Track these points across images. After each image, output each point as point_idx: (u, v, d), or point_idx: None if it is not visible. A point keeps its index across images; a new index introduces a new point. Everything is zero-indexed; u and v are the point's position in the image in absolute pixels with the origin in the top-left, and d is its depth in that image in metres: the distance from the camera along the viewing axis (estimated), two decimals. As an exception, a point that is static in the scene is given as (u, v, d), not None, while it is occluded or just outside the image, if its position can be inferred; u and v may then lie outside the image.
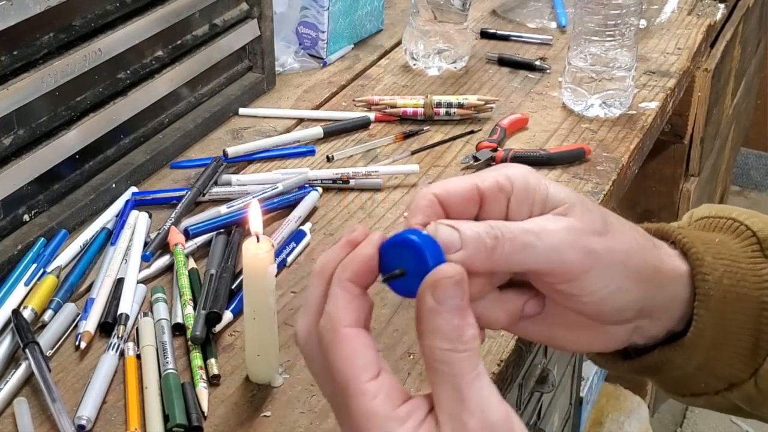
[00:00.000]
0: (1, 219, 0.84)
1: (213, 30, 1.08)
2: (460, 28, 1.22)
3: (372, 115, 1.11)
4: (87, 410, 0.68)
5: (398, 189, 0.99)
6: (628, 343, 0.56)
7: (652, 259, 0.53)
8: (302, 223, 0.92)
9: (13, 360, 0.74)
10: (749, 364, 0.56)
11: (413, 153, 1.05)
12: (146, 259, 0.84)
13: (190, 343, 0.75)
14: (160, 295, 0.80)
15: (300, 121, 1.12)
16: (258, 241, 0.67)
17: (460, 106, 1.11)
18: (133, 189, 0.96)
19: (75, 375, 0.73)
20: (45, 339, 0.75)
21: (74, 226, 0.90)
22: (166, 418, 0.68)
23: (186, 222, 0.89)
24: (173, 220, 0.89)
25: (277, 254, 0.86)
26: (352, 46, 1.30)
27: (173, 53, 1.02)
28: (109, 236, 0.89)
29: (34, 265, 0.83)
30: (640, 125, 1.12)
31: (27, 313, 0.77)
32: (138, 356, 0.74)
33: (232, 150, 1.01)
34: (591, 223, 0.50)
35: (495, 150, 1.03)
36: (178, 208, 0.91)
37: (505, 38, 1.34)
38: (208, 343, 0.75)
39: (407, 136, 1.08)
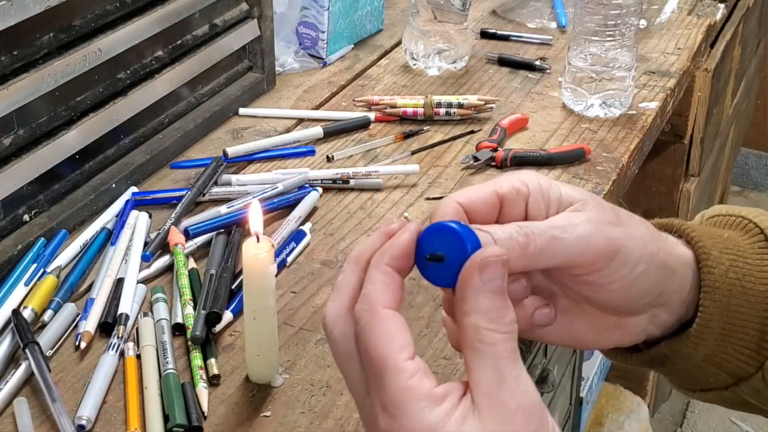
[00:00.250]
0: (1, 219, 0.84)
1: (213, 30, 1.08)
2: (460, 28, 1.22)
3: (372, 115, 1.11)
4: (87, 410, 0.68)
5: (398, 189, 0.99)
6: (645, 335, 0.58)
7: (664, 246, 0.55)
8: (302, 223, 0.92)
9: (13, 360, 0.74)
10: (756, 358, 0.57)
11: (413, 153, 1.05)
12: (146, 259, 0.84)
13: (190, 343, 0.75)
14: (160, 295, 0.80)
15: (300, 121, 1.12)
16: (258, 241, 0.67)
17: (460, 106, 1.11)
18: (133, 189, 0.96)
19: (75, 375, 0.73)
20: (45, 339, 0.75)
21: (74, 226, 0.90)
22: (166, 418, 0.68)
23: (186, 222, 0.89)
24: (173, 220, 0.89)
25: (277, 254, 0.86)
26: (352, 46, 1.30)
27: (173, 53, 1.02)
28: (109, 236, 0.89)
29: (34, 265, 0.83)
30: (640, 125, 1.12)
31: (27, 313, 0.77)
32: (138, 356, 0.74)
33: (232, 150, 1.01)
34: (607, 215, 0.53)
35: (495, 150, 1.03)
36: (178, 208, 0.91)
37: (505, 38, 1.34)
38: (208, 343, 0.75)
39: (407, 136, 1.08)
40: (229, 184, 0.96)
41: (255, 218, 0.68)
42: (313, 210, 0.95)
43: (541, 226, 0.51)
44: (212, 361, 0.74)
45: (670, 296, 0.56)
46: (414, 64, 1.24)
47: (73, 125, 0.90)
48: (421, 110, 1.11)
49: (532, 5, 1.44)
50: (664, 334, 0.58)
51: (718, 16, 1.44)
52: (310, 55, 1.26)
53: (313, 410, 0.70)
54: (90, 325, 0.77)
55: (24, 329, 0.74)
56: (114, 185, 0.94)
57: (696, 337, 0.56)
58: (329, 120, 1.11)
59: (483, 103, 1.12)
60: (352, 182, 0.98)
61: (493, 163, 1.03)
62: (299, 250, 0.88)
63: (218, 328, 0.77)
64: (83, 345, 0.75)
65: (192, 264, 0.85)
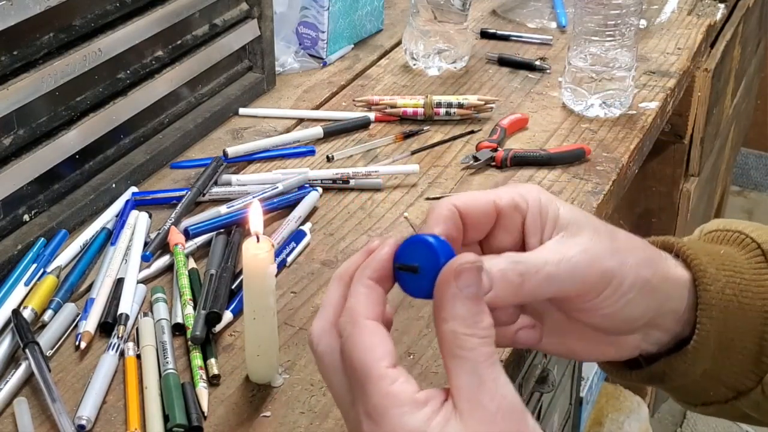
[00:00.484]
0: (1, 219, 0.84)
1: (213, 30, 1.08)
2: (460, 28, 1.22)
3: (372, 115, 1.11)
4: (87, 410, 0.68)
5: (398, 189, 0.99)
6: (639, 351, 0.58)
7: (660, 269, 0.56)
8: (302, 223, 0.92)
9: (13, 360, 0.74)
10: (755, 372, 0.58)
11: (413, 153, 1.05)
12: (146, 259, 0.84)
13: (190, 343, 0.75)
14: (160, 295, 0.80)
15: (300, 121, 1.12)
16: (258, 241, 0.67)
17: (460, 106, 1.11)
18: (133, 189, 0.96)
19: (75, 375, 0.73)
20: (45, 339, 0.75)
21: (74, 226, 0.90)
22: (166, 418, 0.68)
23: (186, 222, 0.89)
24: (173, 220, 0.89)
25: (277, 254, 0.86)
26: (352, 46, 1.30)
27: (173, 53, 1.02)
28: (109, 236, 0.89)
29: (34, 265, 0.83)
30: (640, 125, 1.12)
31: (27, 313, 0.77)
32: (138, 356, 0.74)
33: (232, 150, 1.01)
34: (602, 242, 0.54)
35: (495, 150, 1.03)
36: (178, 208, 0.91)
37: (505, 38, 1.34)
38: (208, 343, 0.75)
39: (407, 136, 1.08)
40: (229, 184, 0.96)
41: (255, 218, 0.68)
42: (313, 210, 0.95)
43: (536, 263, 0.52)
44: (212, 361, 0.74)
45: (664, 317, 0.57)
46: (414, 64, 1.24)
47: (73, 125, 0.90)
48: (421, 110, 1.11)
49: (532, 5, 1.44)
50: (660, 351, 0.59)
51: (718, 16, 1.44)
52: (310, 55, 1.26)
53: (313, 410, 0.70)
54: (90, 325, 0.77)
55: (24, 329, 0.74)
56: (114, 185, 0.94)
57: (693, 354, 0.57)
58: (329, 120, 1.11)
59: (483, 103, 1.12)
60: (352, 182, 0.98)
61: (493, 163, 1.03)
62: (299, 250, 0.88)
63: (218, 328, 0.77)
64: (83, 345, 0.75)
65: (192, 264, 0.85)
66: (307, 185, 0.96)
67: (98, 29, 0.91)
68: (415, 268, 0.50)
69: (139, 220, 0.89)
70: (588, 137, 1.09)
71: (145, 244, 0.87)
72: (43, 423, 0.69)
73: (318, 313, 0.52)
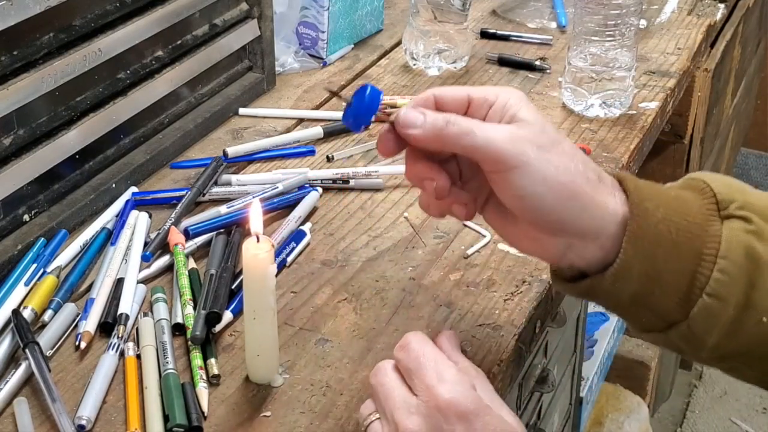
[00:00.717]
0: (1, 219, 0.84)
1: (213, 30, 1.08)
2: (460, 28, 1.22)
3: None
4: (87, 410, 0.68)
5: (398, 189, 0.99)
6: (568, 261, 0.64)
7: (584, 184, 0.62)
8: (302, 223, 0.92)
9: (13, 360, 0.74)
10: (683, 306, 0.62)
11: (413, 153, 1.05)
12: (146, 259, 0.84)
13: (190, 343, 0.75)
14: (160, 295, 0.80)
15: (300, 121, 1.12)
16: (258, 241, 0.67)
17: (460, 106, 1.11)
18: (133, 189, 0.96)
19: (75, 375, 0.73)
20: (45, 339, 0.75)
21: (74, 226, 0.90)
22: (166, 418, 0.68)
23: (186, 222, 0.89)
24: (173, 220, 0.89)
25: (277, 254, 0.86)
26: (352, 46, 1.30)
27: (173, 53, 1.02)
28: (109, 236, 0.89)
29: (34, 265, 0.83)
30: (640, 125, 1.12)
31: (27, 313, 0.77)
32: (138, 356, 0.74)
33: (232, 150, 1.01)
34: (536, 137, 0.62)
35: (495, 150, 1.03)
36: (178, 208, 0.91)
37: (505, 38, 1.34)
38: (208, 343, 0.75)
39: (407, 136, 1.08)
40: (229, 184, 0.96)
41: (255, 218, 0.68)
42: (313, 210, 0.95)
43: (466, 121, 0.62)
44: (212, 361, 0.74)
45: (584, 233, 0.62)
46: (414, 64, 1.24)
47: (73, 125, 0.90)
48: (421, 110, 1.11)
49: (532, 5, 1.44)
50: (588, 267, 0.64)
51: (718, 16, 1.44)
52: (310, 55, 1.26)
53: (313, 410, 0.70)
54: (90, 325, 0.77)
55: (24, 329, 0.74)
56: (114, 185, 0.94)
57: (614, 276, 0.62)
58: (329, 120, 1.11)
59: (483, 103, 1.12)
60: (352, 182, 0.98)
61: (493, 163, 1.03)
62: (299, 250, 0.88)
63: (218, 328, 0.77)
64: (83, 345, 0.75)
65: (192, 264, 0.85)
66: (307, 185, 0.96)
67: (98, 29, 0.91)
68: (349, 101, 0.65)
69: (139, 220, 0.89)
70: (588, 137, 1.09)
71: (145, 244, 0.87)
72: (43, 423, 0.69)
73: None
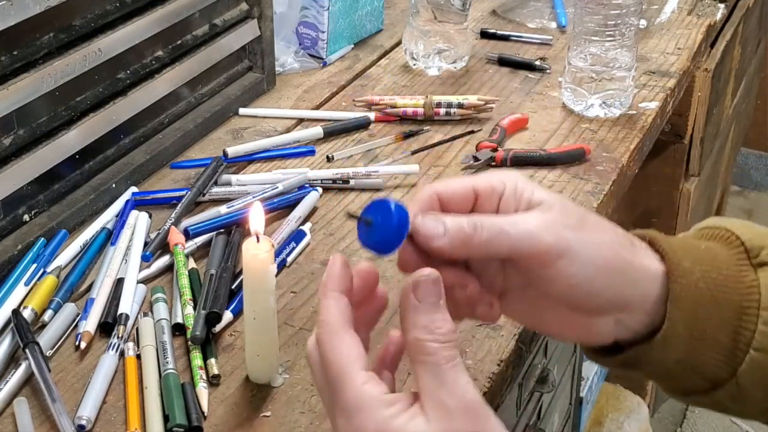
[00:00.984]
0: (1, 219, 0.84)
1: (213, 30, 1.08)
2: (460, 28, 1.22)
3: (372, 115, 1.11)
4: (87, 410, 0.68)
5: (398, 189, 0.99)
6: (614, 337, 0.60)
7: (625, 254, 0.58)
8: (302, 223, 0.92)
9: (13, 360, 0.74)
10: (730, 365, 0.59)
11: (413, 153, 1.05)
12: (146, 259, 0.84)
13: (190, 343, 0.75)
14: (160, 295, 0.80)
15: (300, 121, 1.12)
16: (258, 241, 0.67)
17: (460, 106, 1.11)
18: (133, 189, 0.96)
19: (75, 375, 0.73)
20: (45, 339, 0.75)
21: (74, 226, 0.90)
22: (166, 418, 0.68)
23: (186, 222, 0.89)
24: (173, 220, 0.89)
25: (277, 254, 0.86)
26: (352, 46, 1.30)
27: (173, 53, 1.02)
28: (109, 236, 0.89)
29: (34, 265, 0.83)
30: (640, 125, 1.12)
31: (27, 313, 0.77)
32: (138, 356, 0.74)
33: (232, 150, 1.01)
34: (565, 218, 0.56)
35: (495, 150, 1.03)
36: (178, 208, 0.91)
37: (505, 38, 1.34)
38: (208, 343, 0.75)
39: (407, 136, 1.08)
40: (229, 184, 0.96)
41: (256, 219, 0.68)
42: (313, 210, 0.95)
43: (492, 219, 0.55)
44: (212, 361, 0.74)
45: (631, 303, 0.58)
46: (414, 64, 1.24)
47: (73, 125, 0.90)
48: (421, 110, 1.11)
49: (532, 5, 1.44)
50: (634, 338, 0.60)
51: (718, 16, 1.44)
52: (310, 55, 1.26)
53: (313, 410, 0.70)
54: (90, 325, 0.77)
55: (24, 329, 0.74)
56: (114, 185, 0.94)
57: (663, 343, 0.58)
58: (329, 120, 1.11)
59: (483, 103, 1.12)
60: (352, 182, 0.98)
61: (493, 163, 1.03)
62: (299, 250, 0.88)
63: (218, 328, 0.77)
64: (83, 345, 0.75)
65: (192, 264, 0.85)
66: (307, 185, 0.96)
67: (98, 29, 0.91)
68: (369, 221, 0.55)
69: (139, 220, 0.89)
70: (588, 137, 1.09)
71: (145, 244, 0.87)
72: (43, 423, 0.69)
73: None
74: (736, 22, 1.62)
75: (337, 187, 0.98)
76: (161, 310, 0.78)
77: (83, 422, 0.67)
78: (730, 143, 2.02)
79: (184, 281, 0.81)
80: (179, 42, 1.03)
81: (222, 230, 0.88)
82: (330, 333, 0.53)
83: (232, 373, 0.74)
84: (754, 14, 1.81)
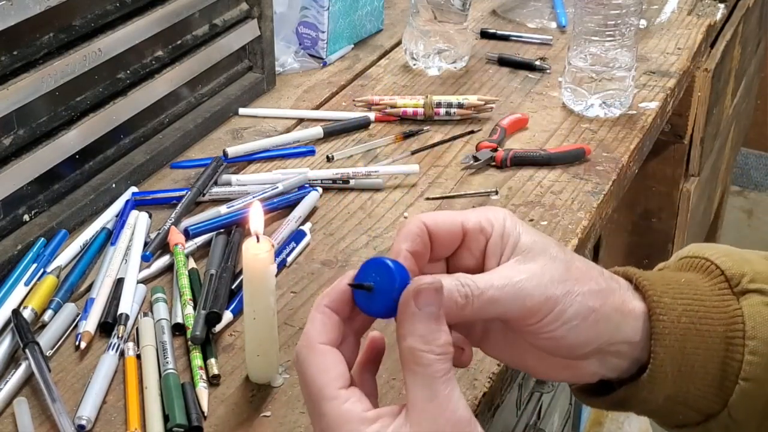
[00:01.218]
0: (1, 219, 0.84)
1: (213, 30, 1.08)
2: (460, 28, 1.22)
3: (372, 115, 1.11)
4: (87, 410, 0.68)
5: (398, 189, 0.99)
6: (599, 377, 0.60)
7: (612, 301, 0.58)
8: (302, 223, 0.92)
9: (13, 360, 0.74)
10: (720, 396, 0.59)
11: (413, 153, 1.05)
12: (146, 259, 0.84)
13: (190, 343, 0.75)
14: (160, 295, 0.80)
15: (300, 121, 1.12)
16: (258, 241, 0.67)
17: (460, 106, 1.11)
18: (133, 189, 0.96)
19: (75, 375, 0.73)
20: (45, 339, 0.75)
21: (74, 226, 0.90)
22: (166, 418, 0.68)
23: (186, 222, 0.89)
24: (173, 220, 0.89)
25: (277, 254, 0.86)
26: (352, 46, 1.30)
27: (173, 53, 1.02)
28: (109, 236, 0.89)
29: (34, 265, 0.83)
30: (640, 125, 1.12)
31: (27, 313, 0.77)
32: (138, 356, 0.74)
33: (232, 150, 1.01)
34: (552, 270, 0.56)
35: (495, 150, 1.03)
36: (178, 208, 0.91)
37: (505, 38, 1.34)
38: (208, 343, 0.75)
39: (407, 136, 1.08)
40: (229, 184, 0.96)
41: (256, 219, 0.68)
42: (313, 210, 0.95)
43: (481, 286, 0.54)
44: (212, 361, 0.74)
45: (617, 345, 0.58)
46: (414, 64, 1.24)
47: (73, 125, 0.90)
48: (421, 110, 1.11)
49: (532, 5, 1.44)
50: (621, 377, 0.60)
51: (718, 16, 1.44)
52: (310, 55, 1.26)
53: (313, 410, 0.70)
54: (90, 325, 0.77)
55: (24, 329, 0.74)
56: (114, 185, 0.94)
57: (650, 383, 0.58)
58: (329, 120, 1.11)
59: (483, 103, 1.12)
60: (352, 182, 0.98)
61: (493, 163, 1.03)
62: (299, 250, 0.88)
63: (218, 328, 0.77)
64: (83, 345, 0.75)
65: (192, 264, 0.85)
66: (307, 185, 0.96)
67: (98, 29, 0.91)
68: (369, 287, 0.53)
69: (139, 220, 0.89)
70: (588, 137, 1.09)
71: (145, 244, 0.87)
72: (43, 423, 0.69)
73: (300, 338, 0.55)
74: (736, 22, 1.62)
75: (337, 187, 0.98)
76: (161, 310, 0.78)
77: (83, 422, 0.67)
78: (730, 143, 2.02)
79: (184, 281, 0.81)
80: (179, 42, 1.03)
81: (222, 230, 0.88)
82: (309, 348, 0.53)
83: (232, 373, 0.74)
84: (754, 14, 1.81)
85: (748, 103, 2.17)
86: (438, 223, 0.57)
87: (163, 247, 0.87)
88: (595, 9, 1.09)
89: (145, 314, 0.78)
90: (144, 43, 0.97)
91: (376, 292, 0.53)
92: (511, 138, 1.09)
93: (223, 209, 0.91)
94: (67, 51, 0.87)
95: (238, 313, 0.79)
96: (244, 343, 0.73)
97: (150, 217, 0.90)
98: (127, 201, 0.93)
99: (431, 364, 0.51)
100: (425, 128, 1.10)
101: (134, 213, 0.91)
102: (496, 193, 0.98)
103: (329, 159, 1.03)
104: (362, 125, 1.10)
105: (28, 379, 0.72)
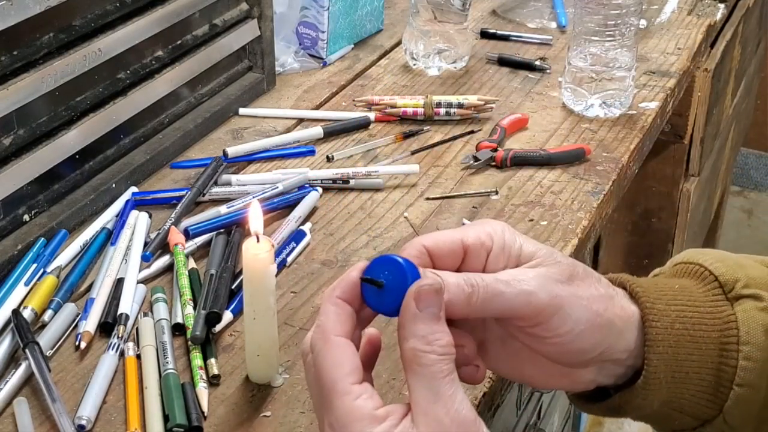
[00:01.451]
0: (1, 219, 0.84)
1: (213, 30, 1.08)
2: (460, 28, 1.22)
3: (372, 115, 1.11)
4: (87, 410, 0.68)
5: (398, 189, 0.99)
6: (595, 384, 0.60)
7: (612, 308, 0.58)
8: (302, 223, 0.92)
9: (13, 360, 0.74)
10: (715, 401, 0.59)
11: (413, 153, 1.05)
12: (146, 259, 0.84)
13: (190, 343, 0.75)
14: (160, 295, 0.80)
15: (300, 121, 1.12)
16: (258, 241, 0.67)
17: (460, 106, 1.11)
18: (133, 189, 0.96)
19: (75, 375, 0.73)
20: (45, 339, 0.75)
21: (74, 226, 0.90)
22: (166, 418, 0.68)
23: (186, 222, 0.89)
24: (173, 220, 0.89)
25: (277, 254, 0.86)
26: (352, 46, 1.30)
27: (173, 53, 1.02)
28: (109, 236, 0.89)
29: (34, 265, 0.83)
30: (640, 125, 1.12)
31: (27, 313, 0.77)
32: (138, 356, 0.74)
33: (232, 150, 1.01)
34: (557, 273, 0.56)
35: (495, 150, 1.03)
36: (178, 208, 0.91)
37: (505, 38, 1.34)
38: (208, 343, 0.75)
39: (407, 136, 1.08)
40: (229, 184, 0.96)
41: (255, 218, 0.68)
42: (313, 210, 0.95)
43: (487, 279, 0.55)
44: (212, 361, 0.74)
45: (616, 353, 0.58)
46: (414, 64, 1.24)
47: (73, 125, 0.90)
48: (421, 110, 1.11)
49: (532, 5, 1.44)
50: (616, 383, 0.60)
51: (718, 16, 1.44)
52: (310, 55, 1.26)
53: (313, 410, 0.70)
54: (90, 325, 0.77)
55: (24, 329, 0.74)
56: (114, 185, 0.94)
57: (644, 389, 0.58)
58: (329, 120, 1.11)
59: (483, 103, 1.12)
60: (352, 182, 0.98)
61: (493, 163, 1.03)
62: (299, 250, 0.88)
63: (218, 328, 0.77)
64: (83, 345, 0.75)
65: (192, 264, 0.85)
66: (307, 185, 0.96)
67: (98, 29, 0.91)
68: (380, 283, 0.53)
69: (139, 220, 0.89)
70: (588, 137, 1.09)
71: (145, 244, 0.87)
72: (43, 423, 0.69)
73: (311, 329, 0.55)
74: (736, 22, 1.62)
75: (337, 187, 0.98)
76: (161, 310, 0.78)
77: (83, 422, 0.67)
78: (730, 143, 2.02)
79: (184, 281, 0.81)
80: (179, 42, 1.03)
81: (222, 230, 0.88)
82: (324, 340, 0.53)
83: (232, 373, 0.74)
84: (754, 14, 1.81)
85: (748, 103, 2.17)
86: (438, 243, 0.57)
87: (163, 247, 0.87)
88: (595, 9, 1.09)
89: (145, 314, 0.78)
90: (144, 43, 0.97)
91: (386, 290, 0.53)
92: (511, 138, 1.09)
93: (223, 209, 0.91)
94: (67, 51, 0.87)
95: (238, 313, 0.79)
96: (244, 343, 0.73)
97: (150, 217, 0.90)
98: (127, 201, 0.93)
99: (433, 365, 0.51)
100: (425, 128, 1.10)
101: (134, 213, 0.91)
102: (496, 193, 0.98)
103: (329, 159, 1.03)
104: (362, 125, 1.10)
105: (28, 379, 0.72)
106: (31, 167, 0.85)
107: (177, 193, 0.94)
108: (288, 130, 1.09)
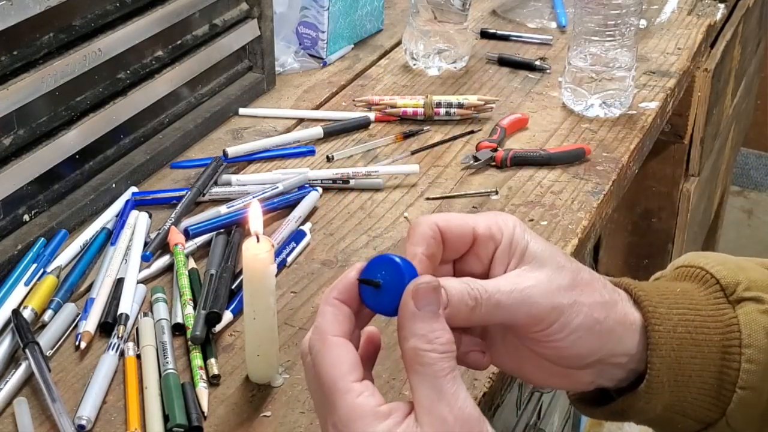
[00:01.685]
0: (1, 219, 0.84)
1: (213, 30, 1.08)
2: (460, 28, 1.22)
3: (372, 115, 1.11)
4: (87, 410, 0.68)
5: (398, 189, 0.99)
6: (595, 386, 0.61)
7: (615, 313, 0.58)
8: (302, 223, 0.92)
9: (13, 360, 0.74)
10: (718, 405, 0.59)
11: (413, 153, 1.05)
12: (146, 259, 0.84)
13: (190, 343, 0.75)
14: (160, 295, 0.80)
15: (300, 121, 1.12)
16: (258, 241, 0.67)
17: (460, 106, 1.11)
18: (133, 189, 0.96)
19: (75, 375, 0.73)
20: (45, 339, 0.75)
21: (74, 226, 0.90)
22: (166, 418, 0.68)
23: (186, 222, 0.89)
24: (173, 220, 0.89)
25: (277, 254, 0.86)
26: (352, 46, 1.30)
27: (173, 53, 1.02)
28: (109, 236, 0.89)
29: (34, 265, 0.83)
30: (640, 125, 1.12)
31: (27, 313, 0.77)
32: (138, 356, 0.74)
33: (232, 150, 1.01)
34: (559, 279, 0.56)
35: (495, 150, 1.03)
36: (178, 208, 0.91)
37: (505, 38, 1.34)
38: (208, 343, 0.75)
39: (407, 136, 1.08)
40: (229, 184, 0.96)
41: (255, 218, 0.68)
42: (313, 210, 0.95)
43: (490, 290, 0.54)
44: (212, 361, 0.74)
45: (616, 357, 0.59)
46: (414, 64, 1.24)
47: (73, 125, 0.90)
48: (421, 110, 1.11)
49: (532, 5, 1.44)
50: (618, 386, 0.61)
51: (718, 16, 1.44)
52: (310, 55, 1.26)
53: (313, 410, 0.70)
54: (90, 325, 0.77)
55: (24, 329, 0.74)
56: (114, 185, 0.94)
57: (647, 393, 0.58)
58: (329, 120, 1.11)
59: (483, 103, 1.12)
60: (352, 182, 0.98)
61: (493, 163, 1.03)
62: (299, 250, 0.88)
63: (218, 328, 0.77)
64: (83, 345, 0.75)
65: (192, 264, 0.85)
66: (307, 185, 0.96)
67: (98, 29, 0.91)
68: (378, 283, 0.53)
69: (139, 220, 0.89)
70: (588, 137, 1.09)
71: (145, 244, 0.87)
72: (43, 423, 0.69)
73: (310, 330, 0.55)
74: (736, 22, 1.62)
75: (337, 187, 0.98)
76: (161, 310, 0.78)
77: (83, 422, 0.67)
78: (730, 143, 2.02)
79: (184, 281, 0.81)
80: (179, 42, 1.03)
81: (222, 230, 0.88)
82: (322, 341, 0.53)
83: (232, 373, 0.74)
84: (754, 14, 1.81)
85: (748, 103, 2.17)
86: (450, 225, 0.56)
87: (163, 247, 0.87)
88: (595, 9, 1.09)
89: (145, 314, 0.78)
90: (144, 43, 0.97)
91: (384, 290, 0.53)
92: (511, 138, 1.09)
93: (223, 209, 0.91)
94: (67, 51, 0.87)
95: (238, 313, 0.79)
96: (244, 343, 0.73)
97: (150, 217, 0.90)
98: (127, 201, 0.93)
99: (435, 363, 0.50)
100: (425, 128, 1.10)
101: (134, 213, 0.91)
102: (496, 193, 0.98)
103: (329, 159, 1.03)
104: (362, 125, 1.10)
105: (28, 379, 0.72)
106: (31, 167, 0.85)
107: (177, 193, 0.94)
108: (288, 130, 1.09)
